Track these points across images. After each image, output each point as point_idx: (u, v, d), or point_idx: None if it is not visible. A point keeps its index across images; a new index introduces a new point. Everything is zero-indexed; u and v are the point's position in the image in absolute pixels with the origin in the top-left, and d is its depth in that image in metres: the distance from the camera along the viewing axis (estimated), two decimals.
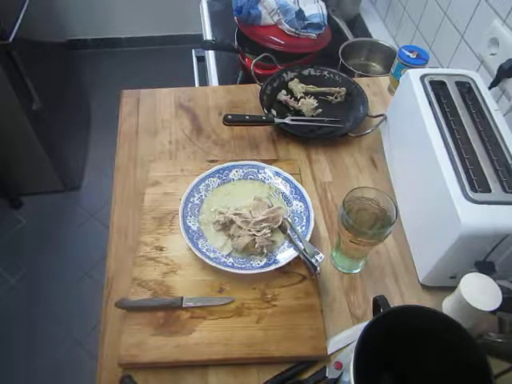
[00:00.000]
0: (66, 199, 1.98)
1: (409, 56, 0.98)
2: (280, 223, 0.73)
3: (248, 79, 1.08)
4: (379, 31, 1.42)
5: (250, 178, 0.80)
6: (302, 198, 0.76)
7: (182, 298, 0.65)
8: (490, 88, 0.82)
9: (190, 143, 0.91)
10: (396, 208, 0.63)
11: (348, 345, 0.64)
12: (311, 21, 1.14)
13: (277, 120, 0.90)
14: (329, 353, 0.63)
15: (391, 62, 1.04)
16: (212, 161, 0.84)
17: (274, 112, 0.96)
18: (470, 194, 0.61)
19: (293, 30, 1.12)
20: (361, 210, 0.66)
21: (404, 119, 0.81)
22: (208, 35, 1.41)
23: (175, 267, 0.70)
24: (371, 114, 0.95)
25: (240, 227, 0.71)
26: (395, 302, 0.69)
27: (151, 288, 0.67)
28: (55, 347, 1.56)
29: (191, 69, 1.47)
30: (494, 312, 0.53)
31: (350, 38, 1.34)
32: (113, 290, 0.69)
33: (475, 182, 0.63)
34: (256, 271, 0.67)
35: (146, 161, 0.86)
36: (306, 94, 0.99)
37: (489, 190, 0.62)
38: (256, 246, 0.70)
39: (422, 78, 0.78)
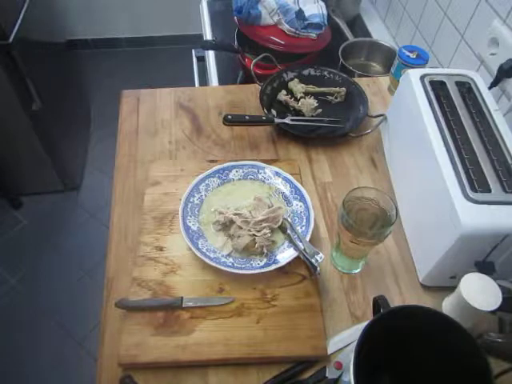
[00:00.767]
0: (66, 199, 1.98)
1: (409, 56, 0.98)
2: (280, 223, 0.73)
3: (248, 79, 1.08)
4: (379, 31, 1.42)
5: (250, 178, 0.80)
6: (302, 198, 0.76)
7: (181, 298, 0.65)
8: (489, 88, 0.82)
9: (189, 143, 0.91)
10: (396, 208, 0.63)
11: (348, 345, 0.64)
12: (311, 21, 1.14)
13: (277, 120, 0.90)
14: (329, 353, 0.63)
15: (391, 61, 1.04)
16: (212, 161, 0.84)
17: (274, 112, 0.96)
18: (470, 194, 0.61)
19: (293, 30, 1.12)
20: (361, 210, 0.66)
21: (404, 119, 0.81)
22: (208, 35, 1.41)
23: (175, 267, 0.70)
24: (371, 114, 0.95)
25: (240, 227, 0.71)
26: (395, 302, 0.69)
27: (151, 288, 0.67)
28: (55, 347, 1.56)
29: (191, 69, 1.47)
30: (494, 312, 0.53)
31: (350, 38, 1.34)
32: (113, 290, 0.69)
33: (475, 182, 0.63)
34: (256, 271, 0.67)
35: (146, 161, 0.86)
36: (306, 94, 0.99)
37: (489, 190, 0.62)
38: (256, 245, 0.70)
39: (422, 77, 0.78)
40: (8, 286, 1.70)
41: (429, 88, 0.76)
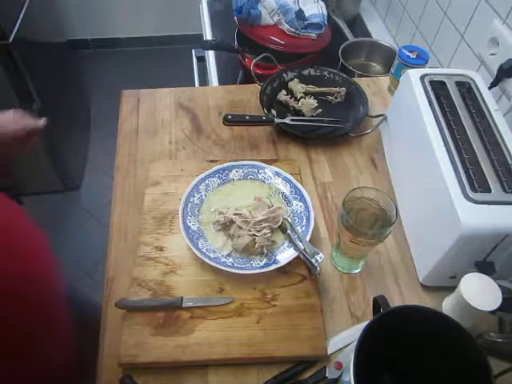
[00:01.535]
0: (66, 199, 1.98)
1: (409, 56, 0.98)
2: (280, 223, 0.73)
3: (248, 79, 1.08)
4: (379, 31, 1.42)
5: (250, 178, 0.80)
6: (302, 198, 0.76)
7: (182, 298, 0.65)
8: (489, 88, 0.82)
9: (189, 143, 0.91)
10: (396, 208, 0.63)
11: (348, 345, 0.64)
12: (311, 21, 1.14)
13: (277, 120, 0.90)
14: (329, 353, 0.63)
15: (391, 62, 1.04)
16: (212, 161, 0.84)
17: (274, 112, 0.96)
18: (470, 193, 0.61)
19: (293, 29, 1.12)
20: (361, 210, 0.66)
21: (404, 119, 0.81)
22: (208, 35, 1.41)
23: (175, 267, 0.70)
24: (371, 114, 0.95)
25: (240, 227, 0.71)
26: (395, 302, 0.69)
27: (151, 288, 0.67)
28: None
29: (191, 69, 1.47)
30: (494, 312, 0.53)
31: (350, 38, 1.34)
32: (113, 290, 0.69)
33: (475, 182, 0.63)
34: (256, 271, 0.67)
35: (146, 161, 0.86)
36: (306, 94, 0.99)
37: (489, 190, 0.62)
38: (256, 245, 0.70)
39: (422, 77, 0.78)
40: None
41: (429, 88, 0.76)
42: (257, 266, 0.69)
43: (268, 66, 1.06)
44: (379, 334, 0.49)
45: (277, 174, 0.80)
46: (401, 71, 0.97)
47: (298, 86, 1.00)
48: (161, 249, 0.72)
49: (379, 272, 0.73)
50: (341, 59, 1.19)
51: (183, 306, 0.65)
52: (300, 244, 0.69)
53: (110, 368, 0.61)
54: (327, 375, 0.60)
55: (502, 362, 0.55)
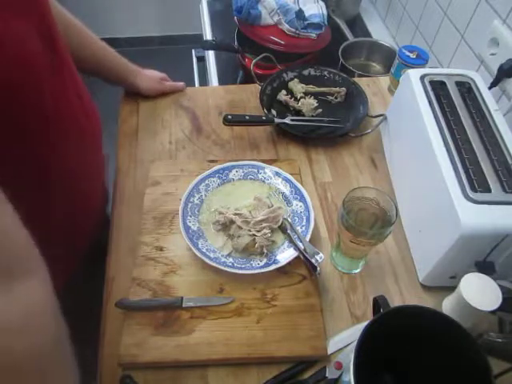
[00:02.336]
0: None
1: (409, 56, 0.98)
2: (280, 223, 0.73)
3: (248, 79, 1.08)
4: (379, 31, 1.42)
5: (250, 178, 0.80)
6: (302, 198, 0.76)
7: (181, 298, 0.65)
8: (489, 88, 0.82)
9: (189, 143, 0.91)
10: (396, 208, 0.63)
11: (348, 345, 0.64)
12: (311, 21, 1.14)
13: (277, 120, 0.90)
14: (329, 353, 0.63)
15: (391, 62, 1.04)
16: (212, 161, 0.84)
17: (274, 112, 0.96)
18: (470, 193, 0.61)
19: (293, 29, 1.12)
20: (361, 210, 0.66)
21: (404, 119, 0.81)
22: (208, 35, 1.41)
23: (175, 267, 0.70)
24: (371, 114, 0.95)
25: (240, 227, 0.71)
26: (395, 302, 0.69)
27: (151, 288, 0.67)
28: None
29: (191, 69, 1.47)
30: (494, 312, 0.53)
31: (350, 37, 1.34)
32: (113, 290, 0.69)
33: (475, 182, 0.63)
34: (256, 271, 0.67)
35: (146, 161, 0.86)
36: (306, 93, 0.99)
37: (489, 190, 0.62)
38: (256, 245, 0.70)
39: (422, 77, 0.78)
40: None
41: (429, 88, 0.76)
42: (257, 266, 0.69)
43: (268, 66, 1.06)
44: (379, 334, 0.49)
45: (277, 173, 0.80)
46: (401, 71, 0.97)
47: (298, 86, 1.00)
48: (161, 249, 0.72)
49: (379, 272, 0.73)
50: (341, 59, 1.19)
51: (183, 305, 0.65)
52: (300, 244, 0.69)
53: (110, 368, 0.61)
54: (327, 375, 0.60)
55: (502, 362, 0.55)
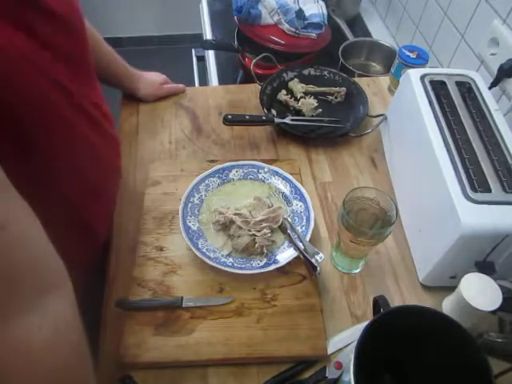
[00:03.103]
0: None
1: (409, 56, 0.98)
2: (280, 223, 0.73)
3: (248, 79, 1.08)
4: (379, 31, 1.42)
5: (250, 178, 0.80)
6: (302, 198, 0.76)
7: (182, 298, 0.65)
8: (490, 88, 0.82)
9: (189, 143, 0.91)
10: (396, 208, 0.63)
11: (348, 345, 0.64)
12: (311, 20, 1.14)
13: (277, 120, 0.90)
14: (329, 353, 0.63)
15: (391, 61, 1.04)
16: (212, 161, 0.84)
17: (274, 112, 0.96)
18: (471, 193, 0.61)
19: (293, 29, 1.12)
20: (361, 210, 0.66)
21: (404, 119, 0.81)
22: (208, 35, 1.41)
23: (175, 267, 0.70)
24: (371, 114, 0.95)
25: (240, 227, 0.71)
26: (395, 302, 0.69)
27: (151, 288, 0.67)
28: None
29: (191, 69, 1.47)
30: (494, 312, 0.53)
31: (350, 37, 1.34)
32: (113, 290, 0.69)
33: (475, 182, 0.63)
34: (256, 271, 0.67)
35: (146, 161, 0.86)
36: (306, 93, 0.99)
37: (489, 190, 0.62)
38: (256, 246, 0.70)
39: (422, 77, 0.77)
40: None
41: (429, 88, 0.76)
42: (257, 265, 0.69)
43: (268, 66, 1.06)
44: (379, 334, 0.49)
45: (277, 173, 0.80)
46: (401, 71, 0.97)
47: (298, 86, 1.00)
48: (161, 249, 0.72)
49: (379, 272, 0.73)
50: (341, 59, 1.19)
51: (183, 305, 0.65)
52: (300, 244, 0.69)
53: (110, 368, 0.61)
54: (327, 375, 0.60)
55: (502, 362, 0.55)
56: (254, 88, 1.01)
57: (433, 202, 0.68)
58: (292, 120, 0.92)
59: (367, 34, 1.42)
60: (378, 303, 0.57)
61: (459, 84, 0.77)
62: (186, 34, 2.65)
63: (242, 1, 1.10)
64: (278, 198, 0.78)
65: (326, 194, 0.83)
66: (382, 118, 0.90)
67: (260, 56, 1.02)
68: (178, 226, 0.71)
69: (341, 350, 0.63)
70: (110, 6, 2.51)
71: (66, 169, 0.57)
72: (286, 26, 1.12)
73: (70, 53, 0.54)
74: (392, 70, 1.02)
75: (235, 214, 0.72)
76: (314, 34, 1.14)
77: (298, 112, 0.96)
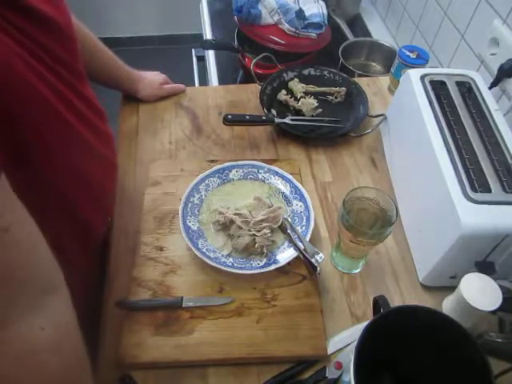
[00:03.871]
0: None
1: (409, 56, 0.98)
2: (280, 223, 0.73)
3: (248, 79, 1.08)
4: (379, 31, 1.42)
5: (250, 178, 0.80)
6: (302, 198, 0.76)
7: (182, 298, 0.65)
8: (490, 88, 0.82)
9: (189, 143, 0.91)
10: (396, 208, 0.63)
11: (348, 345, 0.64)
12: (311, 20, 1.14)
13: (277, 120, 0.90)
14: (329, 353, 0.63)
15: (391, 61, 1.04)
16: (212, 161, 0.84)
17: (273, 112, 0.96)
18: (471, 193, 0.61)
19: (293, 29, 1.12)
20: (361, 210, 0.66)
21: (404, 119, 0.81)
22: (208, 35, 1.41)
23: (175, 267, 0.70)
24: (371, 114, 0.95)
25: (240, 227, 0.71)
26: (395, 302, 0.69)
27: (151, 288, 0.67)
28: None
29: (191, 69, 1.47)
30: (494, 312, 0.53)
31: (350, 37, 1.34)
32: (113, 290, 0.69)
33: (475, 182, 0.63)
34: (256, 271, 0.67)
35: (145, 161, 0.86)
36: (306, 93, 0.99)
37: (489, 190, 0.62)
38: (256, 245, 0.70)
39: (422, 77, 0.77)
40: None
41: (429, 88, 0.76)
42: (257, 265, 0.69)
43: (268, 66, 1.06)
44: (379, 334, 0.49)
45: (277, 173, 0.80)
46: (401, 71, 0.97)
47: (298, 86, 0.99)
48: (161, 249, 0.72)
49: (379, 272, 0.73)
50: (341, 59, 1.19)
51: (183, 305, 0.65)
52: (300, 244, 0.69)
53: (110, 368, 0.61)
54: (327, 375, 0.60)
55: (502, 362, 0.55)
56: (254, 88, 1.01)
57: (433, 201, 0.68)
58: (292, 120, 0.92)
59: (367, 33, 1.42)
60: (378, 303, 0.57)
61: (459, 84, 0.77)
62: (186, 33, 2.65)
63: (242, 1, 1.10)
64: (277, 197, 0.78)
65: (326, 194, 0.83)
66: (381, 118, 0.90)
67: (260, 56, 1.02)
68: (178, 226, 0.71)
69: (341, 349, 0.63)
70: (111, 6, 2.51)
71: (59, 165, 0.57)
72: (286, 26, 1.12)
73: (57, 51, 0.53)
74: (392, 69, 1.02)
75: (235, 214, 0.72)
76: (314, 34, 1.14)
77: (298, 112, 0.96)
